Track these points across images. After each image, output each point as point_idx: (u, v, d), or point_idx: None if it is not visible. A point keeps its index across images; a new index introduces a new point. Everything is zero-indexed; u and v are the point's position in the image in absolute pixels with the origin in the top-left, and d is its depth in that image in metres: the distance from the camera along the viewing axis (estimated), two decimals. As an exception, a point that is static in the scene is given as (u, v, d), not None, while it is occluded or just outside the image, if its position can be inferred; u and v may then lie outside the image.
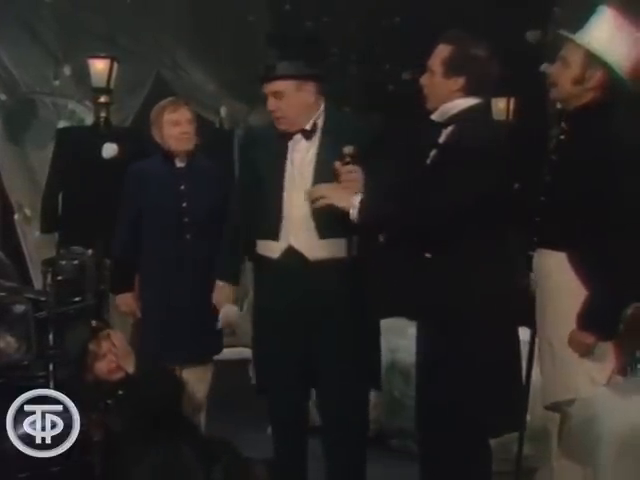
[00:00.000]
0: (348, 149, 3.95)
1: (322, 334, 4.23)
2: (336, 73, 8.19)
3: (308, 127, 4.25)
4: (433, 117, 3.92)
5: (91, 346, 4.25)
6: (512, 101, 8.11)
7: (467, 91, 3.84)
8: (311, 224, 4.18)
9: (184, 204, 4.83)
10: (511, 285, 3.91)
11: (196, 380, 4.90)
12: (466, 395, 3.71)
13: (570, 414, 3.55)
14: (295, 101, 4.23)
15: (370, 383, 4.43)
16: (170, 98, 5.15)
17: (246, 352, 6.09)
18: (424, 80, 3.93)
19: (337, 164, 3.95)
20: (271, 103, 4.27)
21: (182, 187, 4.84)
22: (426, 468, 3.95)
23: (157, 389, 4.16)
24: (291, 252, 4.22)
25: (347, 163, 3.94)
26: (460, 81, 3.83)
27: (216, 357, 5.07)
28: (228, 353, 5.16)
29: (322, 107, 4.30)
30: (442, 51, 3.88)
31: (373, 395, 5.29)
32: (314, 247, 4.20)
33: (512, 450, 4.82)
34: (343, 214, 3.85)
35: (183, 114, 4.87)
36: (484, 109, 3.94)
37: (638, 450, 3.31)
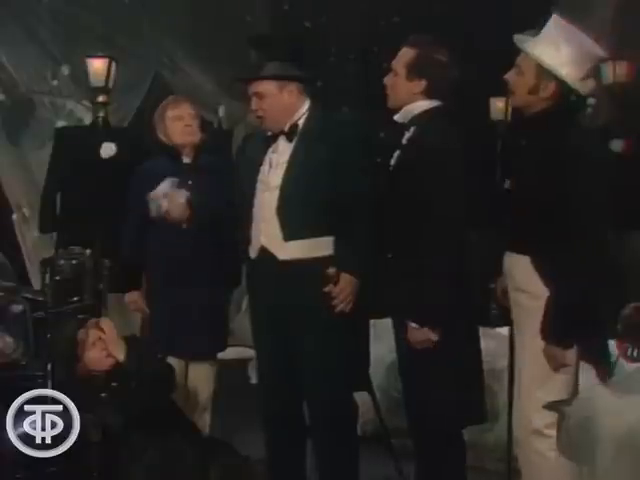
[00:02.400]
0: (330, 271, 4.14)
1: (300, 333, 4.24)
2: (335, 72, 8.20)
3: (286, 128, 4.27)
4: (396, 118, 4.11)
5: (80, 335, 4.23)
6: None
7: (428, 94, 4.04)
8: (277, 226, 4.21)
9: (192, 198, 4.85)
10: (472, 285, 4.00)
11: (200, 381, 4.92)
12: (432, 391, 3.92)
13: (568, 414, 3.55)
14: (276, 102, 4.26)
15: (358, 384, 4.43)
16: (171, 96, 5.18)
17: (245, 352, 6.09)
18: (387, 80, 4.11)
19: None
20: (254, 103, 4.32)
21: (189, 182, 4.86)
22: (416, 460, 4.15)
23: (149, 376, 4.16)
24: (264, 252, 4.27)
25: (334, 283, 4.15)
26: (422, 84, 4.03)
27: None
28: (227, 352, 5.16)
29: (305, 108, 4.32)
30: (406, 54, 4.06)
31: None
32: (282, 248, 4.22)
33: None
34: None
35: (185, 109, 4.90)
36: (444, 111, 4.07)
37: (635, 450, 3.31)
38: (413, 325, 3.91)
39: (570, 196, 3.63)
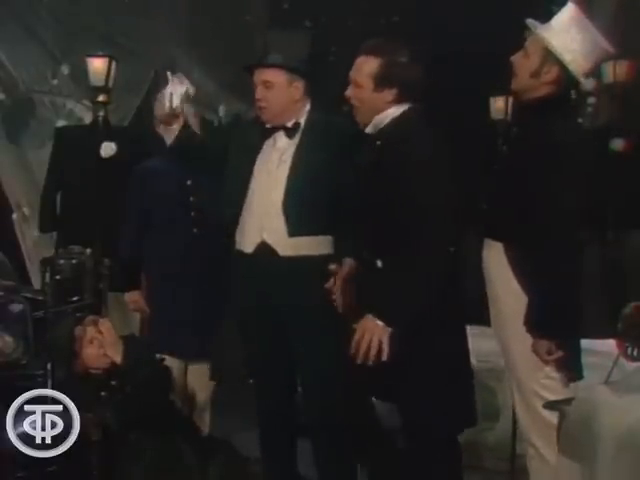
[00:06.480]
0: (332, 267, 4.08)
1: (299, 332, 4.24)
2: (334, 71, 8.20)
3: (289, 124, 4.26)
4: (368, 131, 3.91)
5: (77, 332, 4.23)
6: (510, 100, 8.14)
7: (400, 99, 3.84)
8: (281, 221, 4.20)
9: (191, 198, 4.85)
10: (459, 286, 3.91)
11: (200, 381, 4.93)
12: (424, 395, 3.79)
13: (568, 412, 3.55)
14: (282, 94, 4.25)
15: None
16: None
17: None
18: (350, 93, 3.90)
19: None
20: (259, 92, 4.27)
21: (189, 182, 4.86)
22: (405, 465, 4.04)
23: (144, 381, 4.15)
24: (263, 247, 4.25)
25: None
26: (393, 92, 3.84)
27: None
28: (227, 352, 5.16)
29: (307, 108, 4.33)
30: (367, 64, 3.86)
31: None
32: (286, 243, 4.21)
33: (509, 450, 4.84)
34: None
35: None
36: (417, 112, 3.90)
37: (635, 449, 3.30)
38: (379, 323, 3.70)
39: (546, 189, 3.63)
